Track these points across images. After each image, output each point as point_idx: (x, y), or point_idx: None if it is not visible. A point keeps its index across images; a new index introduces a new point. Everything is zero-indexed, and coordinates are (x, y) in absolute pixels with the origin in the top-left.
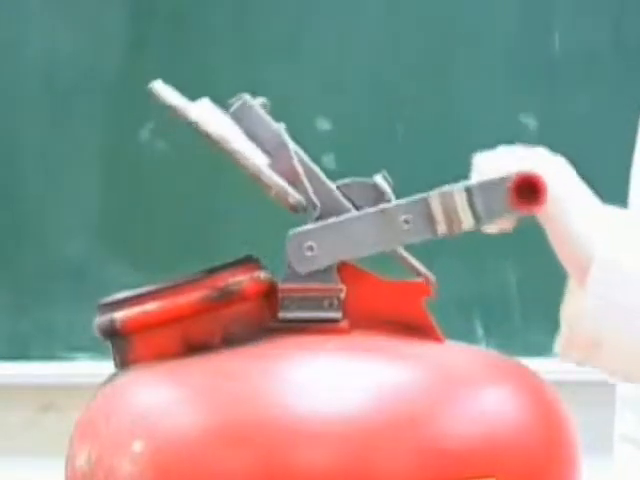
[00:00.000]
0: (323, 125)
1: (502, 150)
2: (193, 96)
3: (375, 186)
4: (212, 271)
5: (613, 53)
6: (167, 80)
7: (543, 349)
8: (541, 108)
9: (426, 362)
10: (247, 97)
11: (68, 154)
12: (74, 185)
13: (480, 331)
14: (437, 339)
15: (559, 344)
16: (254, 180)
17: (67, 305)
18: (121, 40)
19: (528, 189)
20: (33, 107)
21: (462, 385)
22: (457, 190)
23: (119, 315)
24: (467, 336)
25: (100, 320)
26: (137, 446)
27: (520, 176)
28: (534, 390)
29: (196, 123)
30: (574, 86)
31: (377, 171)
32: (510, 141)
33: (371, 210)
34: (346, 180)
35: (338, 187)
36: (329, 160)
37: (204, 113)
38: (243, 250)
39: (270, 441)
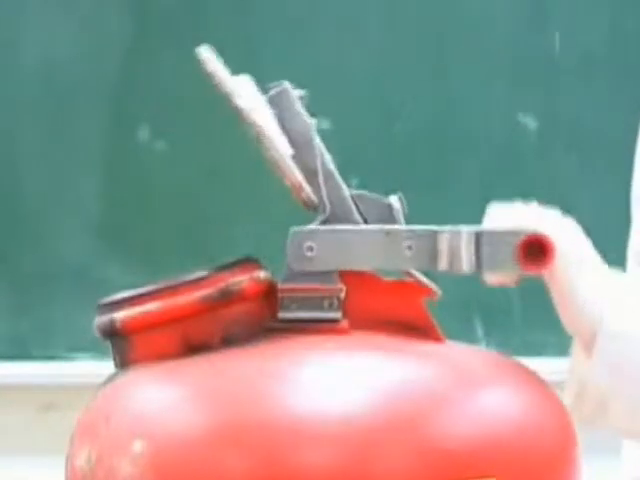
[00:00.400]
0: (323, 125)
1: (517, 205)
2: (193, 95)
3: (389, 206)
4: (212, 271)
5: (613, 53)
6: (167, 80)
7: (543, 349)
8: (541, 108)
9: (426, 362)
10: (287, 85)
11: (68, 154)
12: (74, 185)
13: (480, 331)
14: (437, 339)
15: (568, 400)
16: (273, 166)
17: (67, 305)
18: (121, 40)
19: (536, 249)
20: (33, 107)
21: (462, 385)
22: (466, 232)
23: (119, 315)
24: (467, 336)
25: (100, 320)
26: (137, 446)
27: (531, 235)
28: (534, 390)
29: (232, 96)
30: (574, 86)
31: (377, 171)
32: (510, 141)
33: (377, 227)
34: (362, 192)
35: (352, 196)
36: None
37: (242, 88)
38: (243, 250)
39: (270, 441)
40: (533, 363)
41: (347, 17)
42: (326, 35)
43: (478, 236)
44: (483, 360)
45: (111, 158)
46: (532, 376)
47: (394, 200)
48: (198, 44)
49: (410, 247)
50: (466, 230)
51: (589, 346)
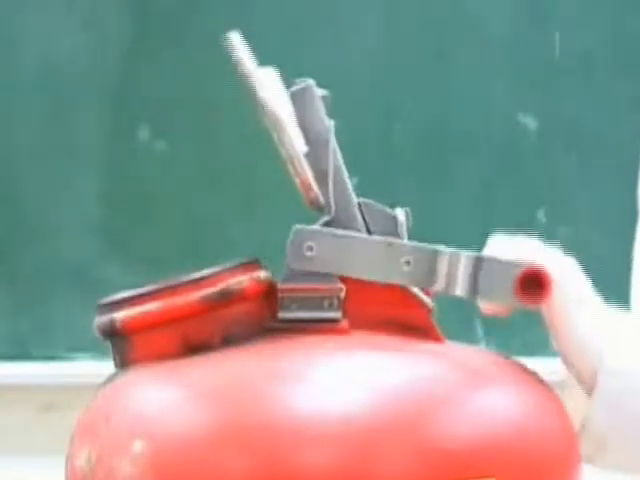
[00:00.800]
0: None
1: (519, 238)
2: (193, 95)
3: (394, 218)
4: (212, 271)
5: (613, 53)
6: (167, 79)
7: (543, 349)
8: (541, 108)
9: (426, 362)
10: (311, 83)
11: (68, 154)
12: (74, 185)
13: (480, 331)
14: (437, 339)
15: None
16: (286, 161)
17: (67, 305)
18: (121, 40)
19: (534, 282)
20: (32, 107)
21: (462, 385)
22: (466, 256)
23: (119, 315)
24: (467, 336)
25: (100, 320)
26: (137, 446)
27: (530, 268)
28: (534, 390)
29: (255, 85)
30: (574, 86)
31: (376, 171)
32: (510, 141)
33: (378, 238)
34: (368, 200)
35: (359, 203)
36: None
37: (267, 79)
38: (243, 250)
39: (271, 441)
40: (533, 363)
41: (347, 17)
42: (326, 35)
43: (477, 262)
44: (483, 360)
45: (111, 158)
46: (532, 376)
47: (400, 213)
48: (198, 44)
49: (408, 262)
50: (466, 255)
51: (590, 386)
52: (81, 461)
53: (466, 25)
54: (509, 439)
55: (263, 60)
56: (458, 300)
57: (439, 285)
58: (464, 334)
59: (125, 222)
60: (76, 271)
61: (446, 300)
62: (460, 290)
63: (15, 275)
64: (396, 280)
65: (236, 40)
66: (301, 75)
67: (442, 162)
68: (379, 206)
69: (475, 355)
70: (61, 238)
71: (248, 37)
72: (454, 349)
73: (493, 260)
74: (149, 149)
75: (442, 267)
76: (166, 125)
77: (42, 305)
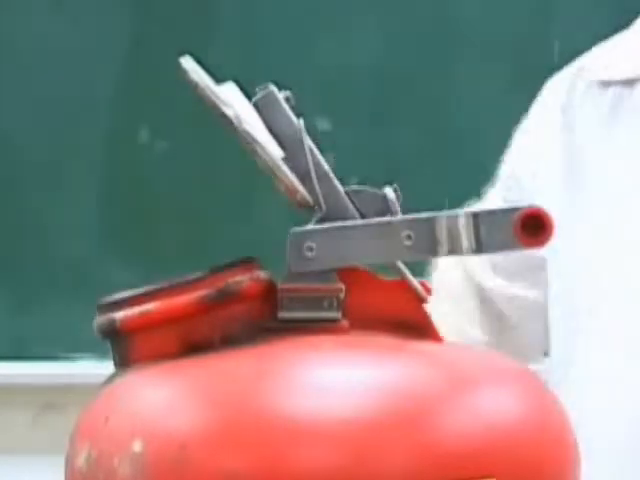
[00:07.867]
0: (323, 125)
1: None
2: (193, 95)
3: (384, 197)
4: (212, 271)
5: None
6: (167, 80)
7: None
8: None
9: (426, 362)
10: (272, 87)
11: (69, 154)
12: (75, 185)
13: None
14: (436, 339)
15: None
16: (266, 171)
17: (68, 305)
18: (121, 40)
19: (535, 223)
20: (34, 108)
21: (462, 385)
22: (463, 214)
23: (119, 315)
24: None
25: (100, 320)
26: (137, 446)
27: (527, 209)
28: (534, 390)
29: (219, 104)
30: None
31: (376, 171)
32: (510, 142)
33: (375, 220)
34: (356, 187)
35: (347, 192)
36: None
37: (229, 95)
38: (243, 250)
39: (270, 441)
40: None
41: (348, 17)
42: (326, 35)
43: (475, 217)
44: (483, 360)
45: (111, 158)
46: (531, 375)
47: (389, 191)
48: (199, 43)
49: (409, 236)
50: (463, 212)
51: None
52: (81, 461)
53: (466, 26)
54: (509, 439)
55: (263, 59)
56: None
57: (443, 250)
58: None
59: (125, 222)
60: (76, 271)
61: None
62: (465, 249)
63: (15, 275)
64: (401, 256)
65: (190, 64)
66: (302, 75)
67: (442, 163)
68: (367, 189)
69: (475, 355)
70: (62, 238)
71: (249, 37)
72: (454, 349)
73: (490, 211)
74: (149, 149)
75: (442, 232)
76: (166, 125)
77: (42, 305)
